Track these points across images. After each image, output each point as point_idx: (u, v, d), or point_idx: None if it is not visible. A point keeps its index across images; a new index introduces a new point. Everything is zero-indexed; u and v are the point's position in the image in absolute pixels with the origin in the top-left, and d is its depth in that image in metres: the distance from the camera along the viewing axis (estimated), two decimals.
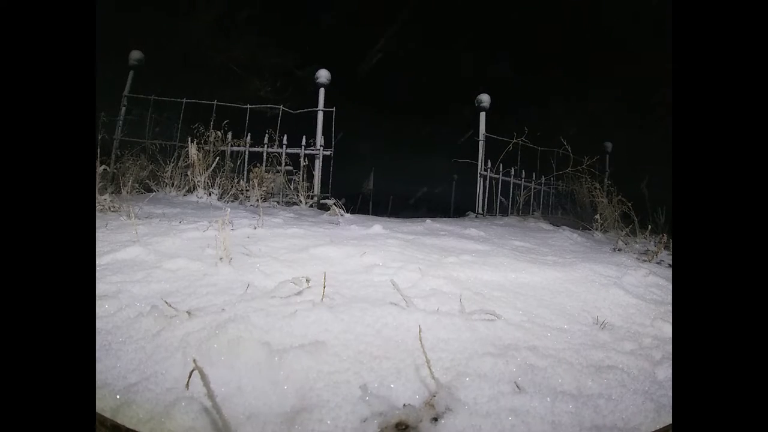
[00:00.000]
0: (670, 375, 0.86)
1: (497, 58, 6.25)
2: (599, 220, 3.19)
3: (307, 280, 1.14)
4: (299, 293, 1.10)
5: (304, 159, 3.78)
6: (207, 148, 3.45)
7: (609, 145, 5.09)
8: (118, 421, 0.61)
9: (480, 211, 4.10)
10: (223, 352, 0.78)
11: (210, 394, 0.60)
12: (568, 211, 4.18)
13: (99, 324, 0.88)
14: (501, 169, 4.22)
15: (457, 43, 6.37)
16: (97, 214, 2.08)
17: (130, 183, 2.91)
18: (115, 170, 3.25)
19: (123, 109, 3.82)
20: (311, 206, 3.59)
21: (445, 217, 3.75)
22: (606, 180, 4.68)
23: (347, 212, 2.85)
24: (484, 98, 4.22)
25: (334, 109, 3.88)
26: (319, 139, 3.88)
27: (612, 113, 5.92)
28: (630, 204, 2.85)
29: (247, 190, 3.38)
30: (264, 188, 3.41)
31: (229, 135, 3.70)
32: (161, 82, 4.10)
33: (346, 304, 1.04)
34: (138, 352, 0.80)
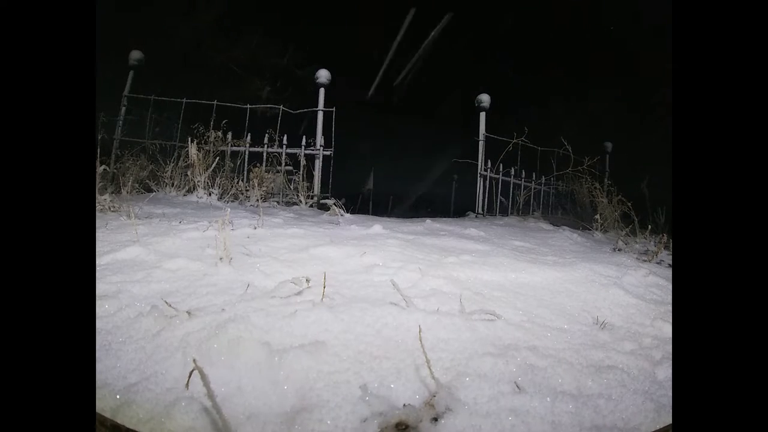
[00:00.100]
0: (670, 375, 0.86)
1: (497, 58, 6.25)
2: (599, 220, 3.19)
3: (307, 280, 1.14)
4: (299, 293, 1.10)
5: (304, 159, 3.78)
6: (207, 148, 3.45)
7: (609, 145, 5.09)
8: (118, 421, 0.61)
9: (480, 211, 4.10)
10: (223, 352, 0.78)
11: (210, 394, 0.60)
12: (568, 211, 4.18)
13: (99, 324, 0.88)
14: (501, 169, 4.22)
15: (457, 43, 6.37)
16: (97, 214, 2.08)
17: (130, 183, 2.91)
18: (115, 170, 3.25)
19: (123, 109, 3.82)
20: (311, 206, 3.59)
21: (445, 217, 3.75)
22: (606, 180, 4.68)
23: (347, 212, 2.85)
24: (484, 98, 4.22)
25: (334, 109, 3.88)
26: (319, 139, 3.88)
27: (612, 113, 5.92)
28: (630, 204, 2.85)
29: (247, 190, 3.38)
30: (264, 188, 3.42)
31: (229, 135, 3.70)
32: (161, 82, 4.10)
33: (346, 304, 1.04)
34: (138, 352, 0.80)
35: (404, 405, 0.70)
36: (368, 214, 3.43)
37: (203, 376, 0.61)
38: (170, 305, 0.97)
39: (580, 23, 5.88)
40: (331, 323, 0.92)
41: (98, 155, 2.51)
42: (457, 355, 0.87)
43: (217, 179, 3.32)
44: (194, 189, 3.24)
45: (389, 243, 1.78)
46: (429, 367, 0.76)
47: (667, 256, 2.20)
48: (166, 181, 3.27)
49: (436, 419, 0.68)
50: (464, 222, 3.14)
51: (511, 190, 4.32)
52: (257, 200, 3.22)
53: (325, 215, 2.88)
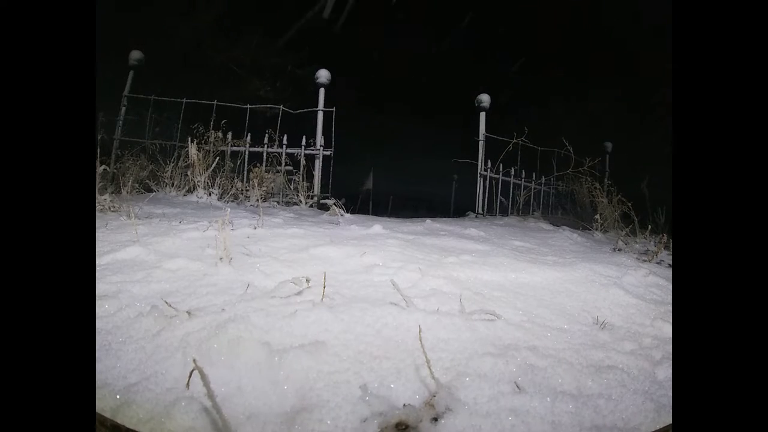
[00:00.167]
0: (670, 375, 0.86)
1: (497, 58, 6.25)
2: (599, 220, 3.19)
3: (307, 280, 1.14)
4: (299, 293, 1.10)
5: (304, 159, 3.78)
6: (207, 148, 3.45)
7: (609, 145, 5.09)
8: (118, 421, 0.61)
9: (480, 211, 4.10)
10: (223, 352, 0.78)
11: (210, 394, 0.60)
12: (568, 211, 4.18)
13: (99, 324, 0.88)
14: (501, 169, 4.22)
15: (458, 43, 6.37)
16: (97, 214, 2.08)
17: (130, 183, 2.91)
18: (115, 170, 3.25)
19: (123, 109, 3.82)
20: (311, 206, 3.59)
21: (445, 217, 3.75)
22: (606, 180, 4.68)
23: (347, 212, 2.85)
24: (484, 98, 4.22)
25: (334, 109, 3.88)
26: (319, 139, 3.88)
27: (612, 113, 5.92)
28: (630, 204, 2.85)
29: (247, 190, 3.38)
30: (264, 188, 3.42)
31: (229, 135, 3.70)
32: (161, 82, 4.10)
33: (346, 304, 1.04)
34: (138, 352, 0.80)
35: (404, 405, 0.70)
36: (368, 214, 3.43)
37: (203, 376, 0.61)
38: (170, 305, 0.97)
39: (581, 23, 5.88)
40: (331, 323, 0.92)
41: (98, 155, 2.51)
42: (457, 355, 0.87)
43: (217, 179, 3.32)
44: (194, 189, 3.24)
45: (389, 243, 1.78)
46: (429, 367, 0.76)
47: (667, 256, 2.20)
48: (166, 181, 3.27)
49: (436, 419, 0.68)
50: (464, 222, 3.14)
51: (511, 190, 4.32)
52: (257, 200, 3.22)
53: (325, 215, 2.88)
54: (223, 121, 3.69)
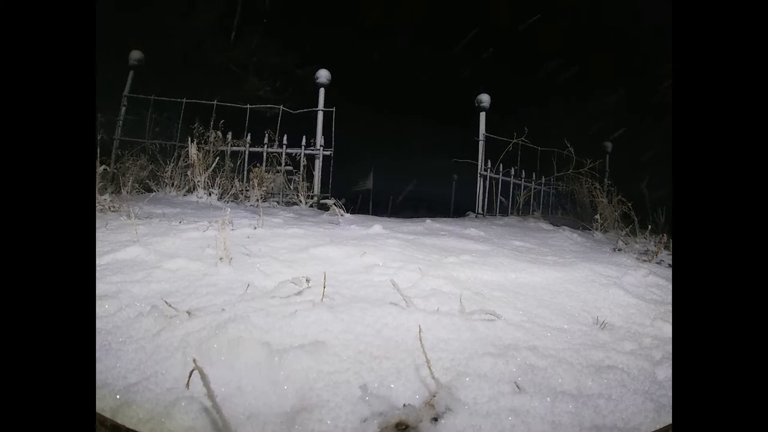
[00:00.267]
0: (670, 375, 0.86)
1: (498, 58, 6.25)
2: (599, 220, 3.19)
3: (307, 280, 1.14)
4: (299, 293, 1.10)
5: (304, 159, 3.78)
6: (207, 148, 3.45)
7: (609, 145, 5.09)
8: (118, 421, 0.61)
9: (480, 211, 4.10)
10: (223, 352, 0.78)
11: (210, 394, 0.60)
12: (568, 211, 4.19)
13: (99, 324, 0.88)
14: (501, 169, 4.22)
15: (458, 43, 6.37)
16: (97, 214, 2.08)
17: (130, 183, 2.91)
18: (115, 170, 3.25)
19: (123, 109, 3.82)
20: (311, 206, 3.59)
21: (445, 217, 3.75)
22: (606, 180, 4.68)
23: (347, 212, 2.85)
24: (484, 98, 4.22)
25: (334, 109, 3.88)
26: (319, 139, 3.88)
27: (612, 113, 5.92)
28: (630, 204, 2.85)
29: (247, 190, 3.38)
30: (264, 188, 3.42)
31: (229, 135, 3.70)
32: (161, 82, 4.10)
33: (346, 304, 1.04)
34: (138, 352, 0.80)
35: (404, 405, 0.70)
36: (368, 214, 3.43)
37: (203, 376, 0.61)
38: (170, 305, 0.97)
39: (581, 23, 5.88)
40: (331, 323, 0.92)
41: (98, 155, 2.51)
42: (457, 355, 0.87)
43: (217, 179, 3.32)
44: (194, 189, 3.24)
45: (389, 243, 1.78)
46: (429, 367, 0.76)
47: (667, 256, 2.20)
48: (166, 181, 3.27)
49: (436, 419, 0.68)
50: (464, 222, 3.14)
51: (511, 190, 4.32)
52: (257, 200, 3.22)
53: (325, 215, 2.88)
54: (222, 121, 3.69)
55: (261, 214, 2.25)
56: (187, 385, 0.70)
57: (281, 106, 3.88)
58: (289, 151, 3.80)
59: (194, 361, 0.66)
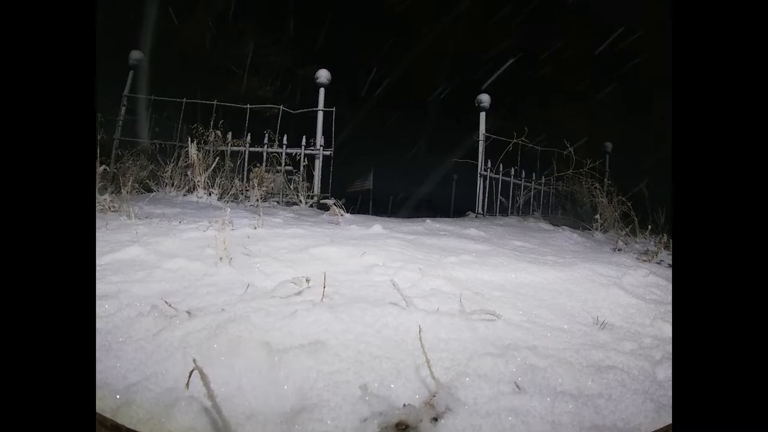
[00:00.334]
0: (670, 375, 0.86)
1: (498, 58, 6.26)
2: (599, 220, 3.19)
3: (307, 280, 1.14)
4: (299, 293, 1.10)
5: (304, 159, 3.78)
6: (207, 148, 3.45)
7: (609, 146, 5.09)
8: (118, 421, 0.61)
9: (480, 211, 4.10)
10: (223, 352, 0.78)
11: (210, 394, 0.60)
12: (568, 211, 4.19)
13: (99, 324, 0.88)
14: (501, 169, 4.22)
15: (458, 43, 6.37)
16: (97, 214, 2.08)
17: (130, 183, 2.91)
18: (115, 170, 3.25)
19: (123, 109, 3.82)
20: (311, 206, 3.59)
21: (445, 217, 3.76)
22: (606, 180, 4.68)
23: (347, 212, 2.85)
24: (484, 98, 4.22)
25: (334, 109, 3.88)
26: (319, 139, 3.88)
27: (612, 114, 5.92)
28: (630, 204, 2.85)
29: (247, 190, 3.38)
30: (264, 188, 3.41)
31: (229, 135, 3.70)
32: (161, 82, 4.10)
33: (346, 304, 1.04)
34: (138, 352, 0.80)
35: (404, 405, 0.70)
36: (368, 214, 3.43)
37: (203, 376, 0.61)
38: (170, 305, 0.97)
39: (581, 23, 5.88)
40: (331, 323, 0.92)
41: (98, 155, 2.50)
42: (457, 355, 0.87)
43: (217, 179, 3.32)
44: (194, 189, 3.24)
45: (389, 243, 1.78)
46: (429, 367, 0.76)
47: (667, 256, 2.20)
48: (166, 181, 3.27)
49: (436, 419, 0.68)
50: (464, 222, 3.14)
51: (511, 190, 4.32)
52: (257, 200, 3.22)
53: (325, 215, 2.88)
54: (222, 121, 3.69)
55: (261, 214, 2.25)
56: (187, 385, 0.70)
57: (281, 106, 3.88)
58: (289, 151, 3.80)
59: (194, 361, 0.66)
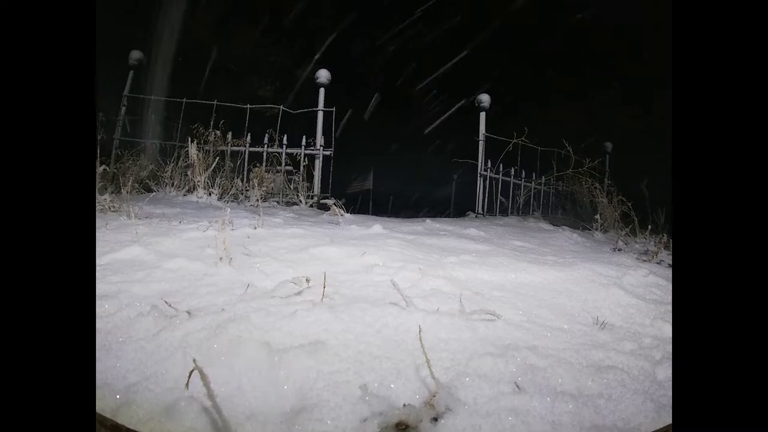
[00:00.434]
0: (670, 375, 0.86)
1: (498, 58, 6.25)
2: (599, 220, 3.19)
3: (307, 280, 1.14)
4: (299, 293, 1.10)
5: (304, 159, 3.78)
6: (207, 148, 3.45)
7: (609, 146, 5.09)
8: (118, 421, 0.61)
9: (480, 211, 4.10)
10: (223, 352, 0.78)
11: (210, 394, 0.60)
12: (568, 211, 4.19)
13: (99, 324, 0.88)
14: (501, 169, 4.22)
15: (458, 43, 6.37)
16: (97, 214, 2.08)
17: (130, 183, 2.91)
18: (115, 170, 3.25)
19: (123, 109, 3.82)
20: (311, 206, 3.59)
21: (445, 217, 3.75)
22: (606, 180, 4.68)
23: (347, 212, 2.85)
24: (484, 98, 4.22)
25: (334, 109, 3.88)
26: (319, 139, 3.88)
27: (612, 113, 5.92)
28: (630, 204, 2.85)
29: (247, 190, 3.38)
30: (264, 188, 3.41)
31: (229, 135, 3.70)
32: (161, 82, 4.10)
33: (346, 304, 1.04)
34: (138, 352, 0.80)
35: (404, 405, 0.70)
36: (368, 214, 3.43)
37: (203, 376, 0.61)
38: (170, 305, 0.97)
39: (581, 23, 5.88)
40: (331, 323, 0.92)
41: (98, 155, 2.50)
42: (457, 355, 0.87)
43: (217, 179, 3.32)
44: (194, 189, 3.24)
45: (389, 243, 1.78)
46: (429, 367, 0.76)
47: (667, 256, 2.20)
48: (166, 181, 3.27)
49: (436, 419, 0.68)
50: (464, 222, 3.14)
51: (511, 190, 4.32)
52: (257, 200, 3.22)
53: (325, 215, 2.88)
54: (222, 121, 3.69)
55: (261, 214, 2.25)
56: (187, 385, 0.70)
57: (281, 106, 3.88)
58: (289, 151, 3.80)
59: (194, 361, 0.66)
